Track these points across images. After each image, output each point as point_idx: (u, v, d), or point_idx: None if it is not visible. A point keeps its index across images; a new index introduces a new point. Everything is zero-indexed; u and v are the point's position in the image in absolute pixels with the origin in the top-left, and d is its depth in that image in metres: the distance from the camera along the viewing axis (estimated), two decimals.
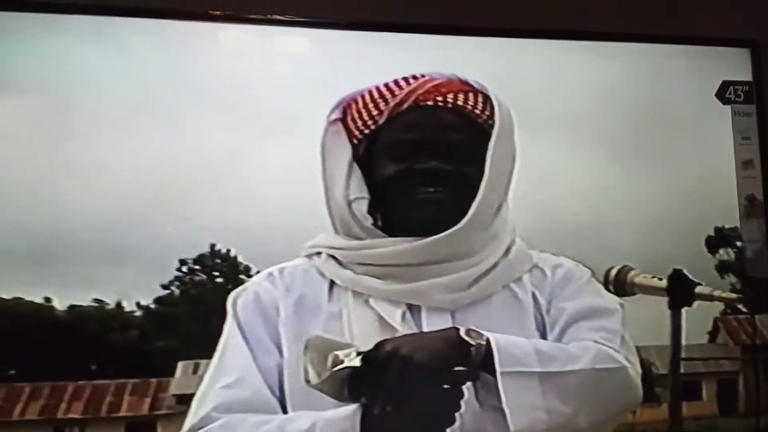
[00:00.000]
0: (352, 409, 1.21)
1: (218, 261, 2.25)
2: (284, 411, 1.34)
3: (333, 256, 1.44)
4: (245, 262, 2.21)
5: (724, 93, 2.44)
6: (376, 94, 1.45)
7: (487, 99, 1.46)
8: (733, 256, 2.42)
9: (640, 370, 1.35)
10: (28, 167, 2.19)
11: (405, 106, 1.42)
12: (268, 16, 2.29)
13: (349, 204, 1.43)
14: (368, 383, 1.17)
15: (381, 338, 1.31)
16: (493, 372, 1.23)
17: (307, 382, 1.20)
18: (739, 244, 2.41)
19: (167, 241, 2.21)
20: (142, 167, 2.21)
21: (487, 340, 1.23)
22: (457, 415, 1.20)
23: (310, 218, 1.51)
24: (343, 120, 1.48)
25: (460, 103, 1.43)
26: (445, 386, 1.20)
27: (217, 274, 2.26)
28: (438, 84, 1.44)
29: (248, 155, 2.23)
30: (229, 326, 1.43)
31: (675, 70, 2.40)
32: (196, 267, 2.26)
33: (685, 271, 1.42)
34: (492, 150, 1.40)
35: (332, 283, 1.43)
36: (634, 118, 2.38)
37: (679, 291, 1.39)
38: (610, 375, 1.29)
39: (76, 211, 2.18)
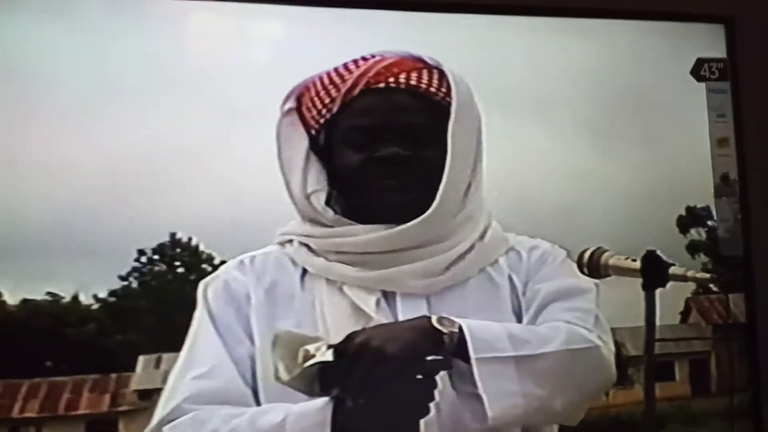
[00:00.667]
0: (323, 402, 1.20)
1: (179, 250, 2.21)
2: (257, 401, 1.32)
3: (305, 244, 1.41)
4: (208, 251, 2.17)
5: (698, 70, 2.43)
6: (327, 81, 1.42)
7: (442, 75, 1.43)
8: (704, 235, 2.43)
9: (613, 349, 1.36)
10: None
11: (356, 90, 1.39)
12: None
13: (308, 197, 1.41)
14: (340, 376, 1.16)
15: (356, 326, 1.30)
16: (467, 359, 1.21)
17: (277, 379, 1.18)
18: (710, 223, 2.42)
19: (125, 231, 2.15)
20: (100, 157, 2.16)
21: (460, 327, 1.22)
22: (431, 405, 1.19)
23: (276, 206, 1.49)
24: (298, 109, 1.45)
25: (413, 82, 1.40)
26: (419, 377, 1.18)
27: (178, 263, 2.21)
28: (389, 64, 1.42)
29: (213, 143, 2.19)
30: (199, 315, 1.41)
31: (650, 47, 2.39)
32: (156, 257, 2.22)
33: (659, 252, 1.41)
34: (452, 129, 1.38)
35: (304, 271, 1.41)
36: (608, 96, 2.38)
37: (653, 272, 1.39)
38: (583, 355, 1.29)
39: (30, 204, 2.13)
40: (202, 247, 2.20)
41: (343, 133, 1.40)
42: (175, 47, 2.20)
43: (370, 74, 1.40)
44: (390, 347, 1.17)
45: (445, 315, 1.25)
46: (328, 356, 1.15)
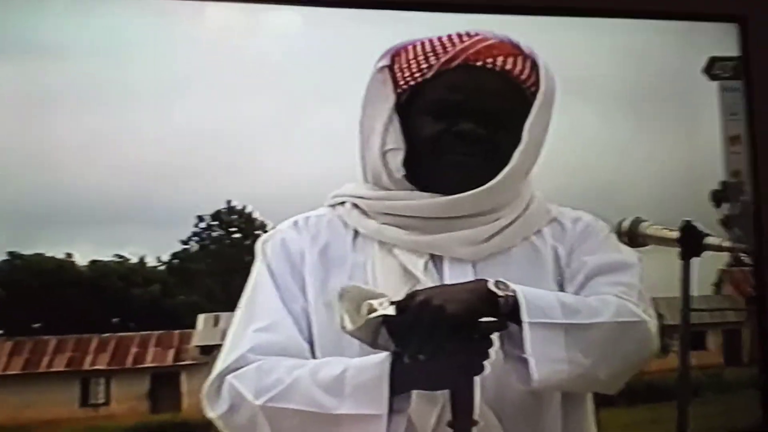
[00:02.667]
0: (382, 356, 1.21)
1: (235, 217, 2.26)
2: (313, 356, 1.36)
3: (357, 206, 1.44)
4: (261, 218, 2.23)
5: (711, 69, 2.43)
6: (428, 47, 1.42)
7: (535, 65, 1.43)
8: (738, 210, 2.43)
9: (657, 323, 1.36)
10: (59, 132, 2.18)
11: (454, 64, 1.38)
12: None
13: (384, 154, 1.41)
14: (401, 332, 1.18)
15: (404, 287, 1.32)
16: (519, 323, 1.23)
17: (343, 328, 1.20)
18: (743, 198, 2.42)
19: (187, 199, 2.22)
20: (164, 134, 2.22)
21: (514, 292, 1.24)
22: (486, 363, 1.21)
23: (323, 178, 1.52)
24: (390, 67, 1.45)
25: (508, 67, 1.39)
26: (476, 336, 1.21)
27: (234, 229, 2.27)
28: (490, 45, 1.41)
29: (267, 125, 2.23)
30: (258, 270, 1.41)
31: (663, 45, 2.39)
32: (214, 223, 2.27)
33: (695, 223, 1.43)
34: (532, 119, 1.37)
35: (356, 233, 1.42)
36: (625, 93, 2.37)
37: (690, 242, 1.39)
38: (631, 329, 1.29)
39: (99, 175, 2.19)
40: (256, 215, 2.25)
41: (430, 102, 1.40)
42: (244, 40, 2.25)
43: (471, 51, 1.40)
44: (450, 306, 1.18)
45: (502, 280, 1.28)
46: (390, 311, 1.17)
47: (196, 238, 2.28)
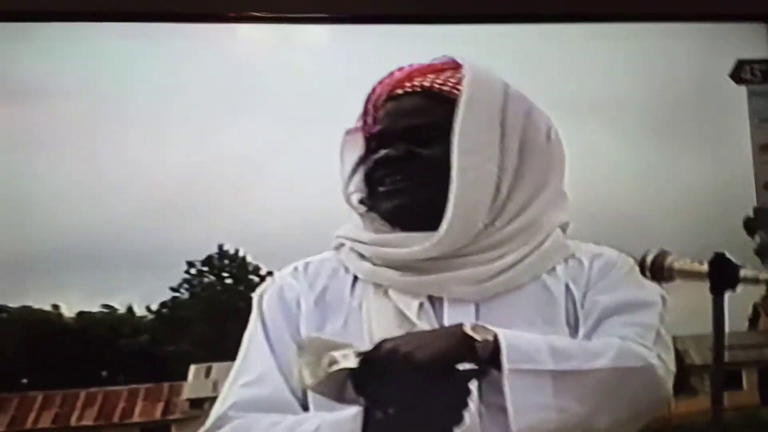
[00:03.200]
0: (354, 411, 1.16)
1: (227, 261, 2.21)
2: (306, 409, 1.30)
3: (355, 249, 1.39)
4: (255, 262, 2.17)
5: (739, 72, 2.32)
6: (368, 95, 1.42)
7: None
8: None
9: (673, 368, 1.27)
10: (43, 177, 2.13)
11: (380, 101, 1.38)
12: (284, 15, 2.20)
13: (348, 196, 1.40)
14: (369, 384, 1.12)
15: (399, 331, 1.25)
16: (501, 369, 1.17)
17: (302, 383, 1.15)
18: None
19: (176, 245, 2.16)
20: (150, 176, 2.16)
21: (495, 336, 1.17)
22: (466, 414, 1.14)
23: (320, 217, 1.47)
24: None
25: (427, 84, 1.36)
26: (452, 385, 1.14)
27: (226, 275, 2.22)
28: (411, 71, 1.39)
29: (257, 162, 2.17)
30: (252, 323, 1.40)
31: (687, 49, 2.29)
32: (205, 269, 2.22)
33: (727, 254, 1.32)
34: (459, 125, 1.31)
35: (355, 277, 1.38)
36: (648, 103, 2.28)
37: (722, 275, 1.28)
38: (633, 374, 1.22)
39: (85, 220, 2.14)
40: (249, 258, 2.20)
41: (369, 143, 1.39)
42: (227, 68, 2.18)
43: (393, 83, 1.38)
44: (419, 354, 1.12)
45: (481, 323, 1.21)
46: (353, 363, 1.11)
47: (186, 285, 2.22)
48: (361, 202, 1.41)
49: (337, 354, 1.13)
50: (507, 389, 1.17)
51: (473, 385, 1.17)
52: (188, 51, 2.18)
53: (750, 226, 2.23)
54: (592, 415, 1.18)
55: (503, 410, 1.18)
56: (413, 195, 1.33)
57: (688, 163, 2.31)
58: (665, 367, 1.24)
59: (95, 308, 2.21)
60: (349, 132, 1.46)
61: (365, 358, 1.12)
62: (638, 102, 2.29)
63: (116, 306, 2.21)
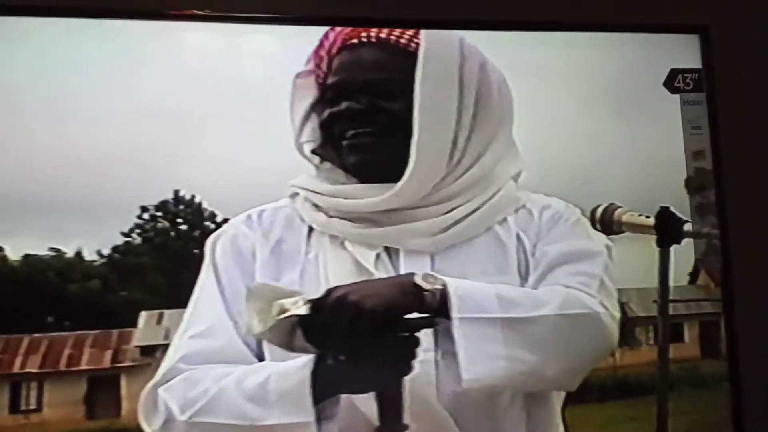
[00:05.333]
0: (304, 360, 1.21)
1: (182, 207, 2.22)
2: (261, 359, 1.34)
3: (310, 199, 1.44)
4: (210, 209, 2.19)
5: (672, 81, 2.43)
6: (319, 43, 1.46)
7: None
8: (712, 198, 2.44)
9: (617, 315, 1.35)
10: None
11: (335, 49, 1.42)
12: (233, 14, 2.22)
13: (300, 146, 1.45)
14: (316, 332, 1.17)
15: (357, 281, 1.31)
16: (450, 318, 1.23)
17: (250, 331, 1.19)
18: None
19: (129, 188, 2.18)
20: (104, 116, 2.17)
21: (444, 285, 1.23)
22: (415, 363, 1.20)
23: (278, 165, 1.51)
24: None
25: (384, 35, 1.40)
26: (401, 334, 1.20)
27: (180, 220, 2.23)
28: None
29: (218, 113, 2.19)
30: (204, 272, 1.43)
31: (622, 58, 2.39)
32: (159, 214, 2.23)
33: (672, 209, 1.43)
34: (419, 81, 1.37)
35: (311, 227, 1.43)
36: (581, 109, 2.37)
37: (668, 228, 1.39)
38: (579, 321, 1.29)
39: (34, 160, 2.15)
40: (205, 205, 2.21)
41: (324, 92, 1.43)
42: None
43: (346, 32, 1.42)
44: (368, 302, 1.17)
45: (431, 272, 1.27)
46: (303, 310, 1.15)
47: (139, 230, 2.23)
48: (315, 152, 1.47)
49: (286, 301, 1.18)
50: (457, 338, 1.24)
51: (423, 335, 1.25)
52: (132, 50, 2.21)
53: (691, 185, 2.35)
54: (542, 362, 1.26)
55: (455, 357, 1.25)
56: (379, 149, 1.39)
57: (646, 144, 2.41)
58: (609, 314, 1.33)
59: (43, 252, 2.21)
60: (299, 75, 1.50)
61: (314, 305, 1.17)
62: (571, 107, 2.37)
63: (65, 250, 2.21)
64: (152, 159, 2.17)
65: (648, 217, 1.44)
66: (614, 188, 2.23)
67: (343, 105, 1.38)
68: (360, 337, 1.18)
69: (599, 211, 1.46)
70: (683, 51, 2.41)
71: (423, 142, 1.37)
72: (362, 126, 1.39)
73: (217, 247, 1.46)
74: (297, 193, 1.48)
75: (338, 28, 1.44)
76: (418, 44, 1.40)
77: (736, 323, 2.35)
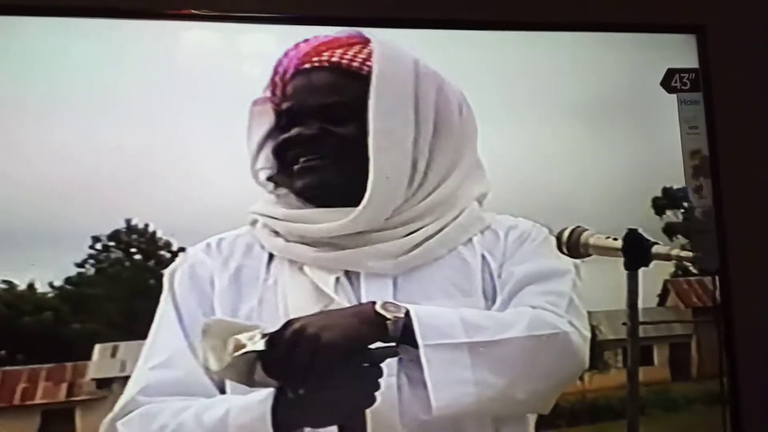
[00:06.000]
0: (265, 393, 1.19)
1: (135, 236, 2.19)
2: (222, 392, 1.32)
3: (268, 225, 1.42)
4: (165, 237, 2.16)
5: (669, 81, 2.45)
6: (274, 69, 1.45)
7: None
8: (681, 217, 2.44)
9: (588, 335, 1.34)
10: None
11: (288, 74, 1.41)
12: (232, 14, 2.21)
13: (256, 173, 1.43)
14: (278, 366, 1.15)
15: (316, 307, 1.29)
16: (417, 345, 1.21)
17: (207, 369, 1.17)
18: (686, 204, 2.44)
19: (80, 218, 2.14)
20: (56, 147, 2.14)
21: (407, 313, 1.21)
22: (377, 394, 1.18)
23: (234, 192, 1.50)
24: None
25: (336, 59, 1.39)
26: (364, 365, 1.18)
27: (134, 250, 2.20)
28: (318, 44, 1.43)
29: (171, 137, 2.16)
30: (163, 302, 1.41)
31: (619, 58, 2.41)
32: (111, 243, 2.20)
33: (641, 231, 1.41)
34: (372, 104, 1.36)
35: (272, 254, 1.41)
36: (581, 107, 2.38)
37: (636, 251, 1.37)
38: (547, 342, 1.28)
39: None
40: (159, 234, 2.19)
41: (279, 118, 1.42)
42: (165, 71, 2.19)
43: (299, 57, 1.41)
44: (327, 334, 1.14)
45: (392, 301, 1.24)
46: (260, 345, 1.13)
47: (92, 261, 2.19)
48: (270, 179, 1.45)
49: (242, 337, 1.15)
50: (425, 365, 1.22)
51: (385, 364, 1.22)
52: (127, 51, 2.18)
53: (658, 205, 2.35)
54: (510, 386, 1.24)
55: (423, 385, 1.23)
56: (327, 173, 1.37)
57: (614, 150, 2.42)
58: (579, 333, 1.31)
59: None
60: (256, 102, 1.48)
61: (271, 339, 1.15)
62: (572, 104, 2.38)
63: (16, 282, 2.17)
64: (103, 187, 2.13)
65: (615, 239, 1.42)
66: (585, 208, 2.25)
67: (294, 131, 1.36)
68: (319, 371, 1.15)
69: (565, 234, 1.44)
70: (680, 51, 2.43)
71: (380, 167, 1.34)
72: (312, 152, 1.36)
73: (175, 276, 1.43)
74: (256, 220, 1.46)
75: (291, 53, 1.43)
76: (370, 67, 1.38)
77: (734, 318, 2.36)
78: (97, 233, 2.20)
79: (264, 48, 2.16)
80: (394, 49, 1.41)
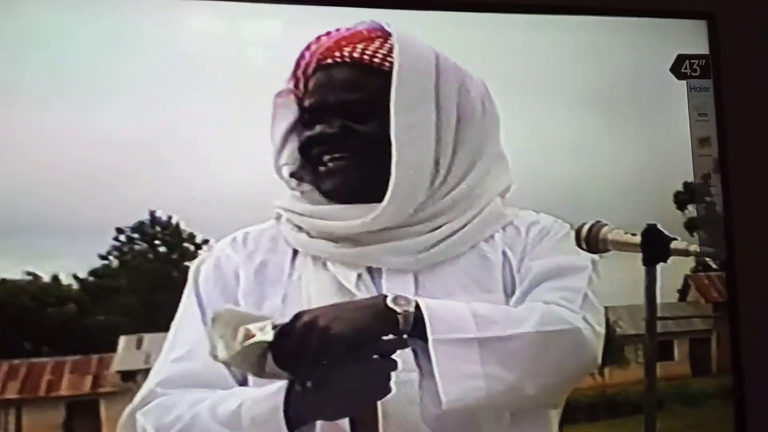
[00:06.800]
0: (278, 386, 1.20)
1: (159, 228, 2.21)
2: (244, 383, 1.34)
3: (291, 220, 1.44)
4: (189, 229, 2.18)
5: (679, 67, 2.45)
6: (296, 63, 1.45)
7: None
8: (703, 212, 2.44)
9: (602, 331, 1.35)
10: None
11: (310, 70, 1.42)
12: None
13: (279, 169, 1.44)
14: (284, 358, 1.16)
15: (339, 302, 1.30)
16: (426, 339, 1.22)
17: (215, 357, 1.18)
18: (708, 199, 2.44)
19: (105, 210, 2.16)
20: (80, 138, 2.15)
21: (417, 306, 1.22)
22: (393, 387, 1.19)
23: (258, 184, 1.51)
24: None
25: (356, 54, 1.40)
26: (374, 356, 1.19)
27: (158, 242, 2.21)
28: (339, 38, 1.43)
29: (196, 126, 2.17)
30: (186, 295, 1.42)
31: (629, 43, 2.41)
32: (135, 235, 2.22)
33: (660, 226, 1.42)
34: (394, 102, 1.36)
35: (296, 249, 1.43)
36: (591, 93, 2.38)
37: (654, 246, 1.39)
38: (558, 337, 1.28)
39: (8, 183, 2.12)
40: (183, 226, 2.20)
41: (302, 114, 1.43)
42: (170, 55, 2.17)
43: (321, 51, 1.42)
44: (337, 326, 1.16)
45: (402, 294, 1.26)
46: (269, 336, 1.14)
47: (115, 253, 2.21)
48: (293, 174, 1.46)
49: (252, 327, 1.16)
50: (434, 359, 1.23)
51: (403, 354, 1.24)
52: (130, 32, 2.19)
53: (681, 199, 2.35)
54: (520, 381, 1.25)
55: (434, 378, 1.25)
56: (352, 174, 1.38)
57: (630, 141, 2.42)
58: (592, 329, 1.32)
59: (18, 276, 2.19)
60: (280, 94, 1.49)
61: (282, 330, 1.16)
62: (581, 91, 2.38)
63: (41, 274, 2.19)
64: (128, 179, 2.15)
65: (634, 234, 1.44)
66: (604, 202, 2.26)
67: (318, 129, 1.37)
68: (329, 363, 1.16)
69: (584, 229, 1.45)
70: (690, 37, 2.43)
71: (403, 163, 1.36)
72: (336, 150, 1.38)
73: (201, 270, 1.45)
74: (281, 215, 1.48)
75: (313, 47, 1.43)
76: (392, 63, 1.39)
77: (739, 312, 2.36)
78: (121, 225, 2.21)
79: (269, 34, 2.21)
80: (415, 45, 1.42)
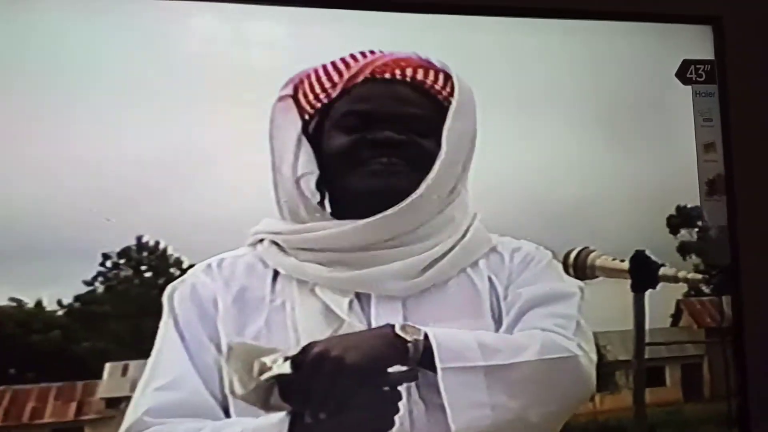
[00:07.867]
0: (280, 416, 1.19)
1: (146, 254, 2.20)
2: (226, 412, 1.32)
3: (275, 243, 1.42)
4: (176, 254, 2.17)
5: (684, 72, 2.46)
6: (330, 68, 1.46)
7: (448, 77, 1.47)
8: (695, 236, 2.45)
9: (594, 358, 1.36)
10: None
11: (360, 78, 1.42)
12: None
13: (297, 180, 1.42)
14: (298, 390, 1.15)
15: (327, 329, 1.30)
16: (434, 368, 1.22)
17: (232, 393, 1.17)
18: (700, 223, 2.44)
19: (91, 235, 2.15)
20: (64, 162, 2.14)
21: (425, 335, 1.22)
22: (396, 418, 1.19)
23: (246, 208, 1.50)
24: (293, 96, 1.47)
25: (419, 77, 1.44)
26: (384, 388, 1.19)
27: (144, 267, 2.21)
28: (397, 58, 1.45)
29: (182, 150, 2.17)
30: (164, 323, 1.40)
31: (634, 48, 2.42)
32: (121, 261, 2.21)
33: (648, 252, 1.43)
34: (449, 125, 1.41)
35: (276, 273, 1.41)
36: (593, 98, 2.39)
37: (642, 273, 1.39)
38: (559, 365, 1.29)
39: None
40: (170, 251, 2.19)
41: (338, 118, 1.42)
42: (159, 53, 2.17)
43: (377, 64, 1.43)
44: (350, 357, 1.15)
45: (410, 323, 1.26)
46: (286, 368, 1.13)
47: (101, 278, 2.20)
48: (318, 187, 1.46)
49: (267, 360, 1.15)
50: (443, 389, 1.23)
51: (404, 388, 1.23)
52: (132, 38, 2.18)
53: (673, 223, 2.36)
54: (525, 409, 1.25)
55: (441, 408, 1.24)
56: (403, 178, 1.40)
57: (632, 158, 2.42)
58: (587, 356, 1.32)
59: (2, 302, 2.18)
60: (280, 99, 1.48)
61: (295, 362, 1.15)
62: (584, 96, 2.39)
63: (26, 300, 2.18)
64: (113, 204, 2.14)
65: (623, 261, 1.44)
66: (600, 224, 2.25)
67: (386, 133, 1.38)
68: (341, 393, 1.15)
69: (572, 256, 1.46)
70: (696, 42, 2.44)
71: (434, 186, 1.40)
72: (395, 156, 1.39)
73: (175, 296, 1.43)
74: (260, 240, 1.47)
75: (361, 59, 1.45)
76: (445, 94, 1.45)
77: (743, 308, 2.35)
78: (107, 250, 2.20)
79: (273, 37, 2.20)
80: (466, 82, 1.48)
